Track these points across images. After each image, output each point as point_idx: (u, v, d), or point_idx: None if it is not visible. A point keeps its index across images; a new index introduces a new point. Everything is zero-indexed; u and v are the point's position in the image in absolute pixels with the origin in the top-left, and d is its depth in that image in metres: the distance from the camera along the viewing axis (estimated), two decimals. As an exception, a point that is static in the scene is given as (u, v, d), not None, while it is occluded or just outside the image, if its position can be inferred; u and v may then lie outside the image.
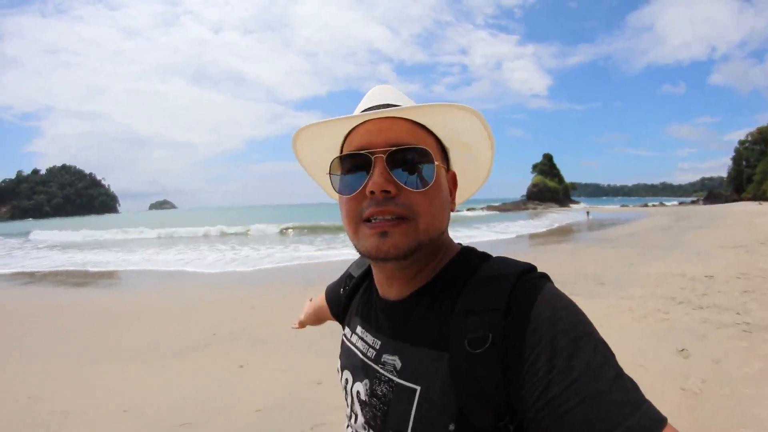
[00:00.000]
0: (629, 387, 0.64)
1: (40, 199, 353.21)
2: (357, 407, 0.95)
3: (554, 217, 58.47)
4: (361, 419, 0.93)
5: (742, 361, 5.00)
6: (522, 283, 0.77)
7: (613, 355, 0.68)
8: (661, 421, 0.61)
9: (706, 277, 9.99)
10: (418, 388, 0.80)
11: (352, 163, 0.86)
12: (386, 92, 0.96)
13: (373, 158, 0.83)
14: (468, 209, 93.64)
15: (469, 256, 0.92)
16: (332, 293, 1.30)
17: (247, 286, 12.56)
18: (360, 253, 0.89)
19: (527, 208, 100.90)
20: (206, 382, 5.25)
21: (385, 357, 0.89)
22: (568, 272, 11.72)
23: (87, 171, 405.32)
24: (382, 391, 0.87)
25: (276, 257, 19.24)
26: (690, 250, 15.36)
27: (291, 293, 10.18)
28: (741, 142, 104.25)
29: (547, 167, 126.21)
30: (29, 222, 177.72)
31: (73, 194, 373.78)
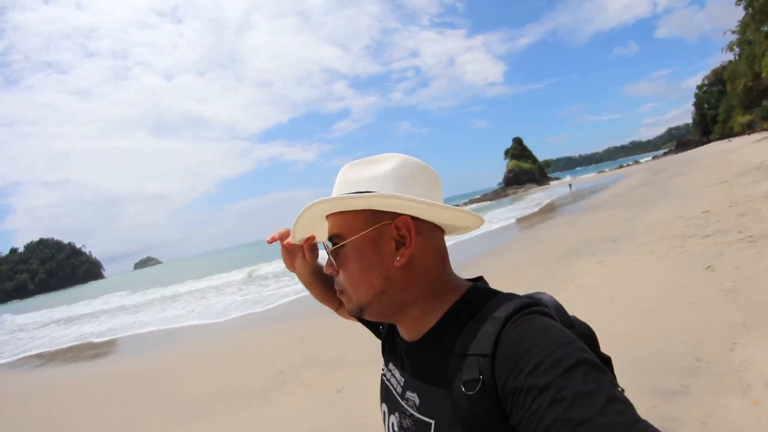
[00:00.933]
0: (621, 409, 0.64)
1: (23, 278, 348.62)
2: None
3: (538, 196, 59.54)
4: None
5: (755, 261, 6.19)
6: (510, 324, 0.80)
7: (605, 379, 0.69)
8: None
9: (702, 213, 11.14)
10: (433, 422, 0.88)
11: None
12: (340, 179, 1.01)
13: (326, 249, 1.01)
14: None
15: (473, 295, 0.95)
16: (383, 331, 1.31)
17: (277, 323, 12.33)
18: None
19: (508, 194, 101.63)
20: (320, 412, 5.20)
21: (408, 394, 0.97)
22: (578, 239, 12.79)
23: (66, 241, 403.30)
24: (407, 424, 0.95)
25: (278, 293, 18.76)
26: (678, 196, 16.57)
27: (323, 316, 9.54)
28: (699, 87, 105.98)
29: (518, 151, 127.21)
30: (16, 304, 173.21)
31: (55, 267, 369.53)
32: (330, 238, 0.97)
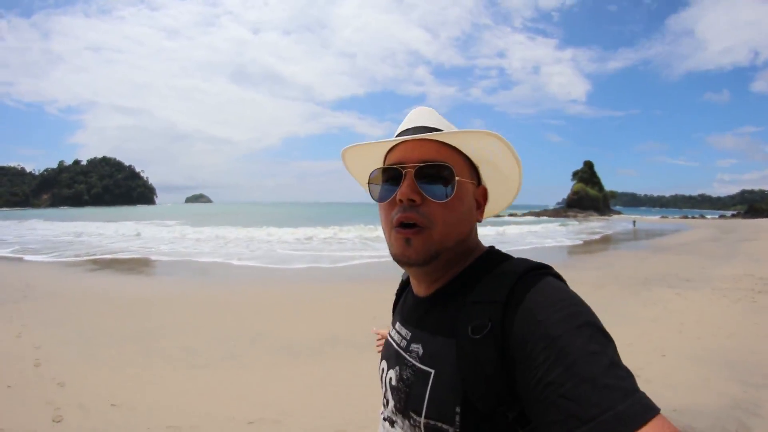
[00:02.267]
0: (624, 375, 0.66)
1: (80, 188, 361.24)
2: (389, 393, 1.05)
3: (599, 225, 60.29)
4: (391, 404, 1.03)
5: None
6: (526, 278, 0.84)
7: (610, 344, 0.72)
8: (654, 410, 0.62)
9: (760, 279, 12.66)
10: (433, 371, 0.90)
11: (388, 176, 1.01)
12: (423, 114, 1.06)
13: (404, 172, 0.96)
14: (510, 214, 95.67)
15: (491, 257, 1.01)
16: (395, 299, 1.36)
17: (358, 282, 13.25)
18: (391, 256, 1.02)
19: (567, 216, 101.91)
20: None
21: (413, 346, 1.00)
22: (652, 272, 14.39)
23: (127, 163, 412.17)
24: (407, 375, 0.97)
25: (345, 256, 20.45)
26: (749, 258, 17.97)
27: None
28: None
29: (587, 175, 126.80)
30: (73, 210, 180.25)
31: (112, 185, 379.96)
32: (441, 163, 0.96)
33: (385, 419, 1.07)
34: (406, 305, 1.16)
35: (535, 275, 0.86)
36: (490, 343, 0.79)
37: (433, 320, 0.98)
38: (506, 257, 0.99)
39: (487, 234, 35.43)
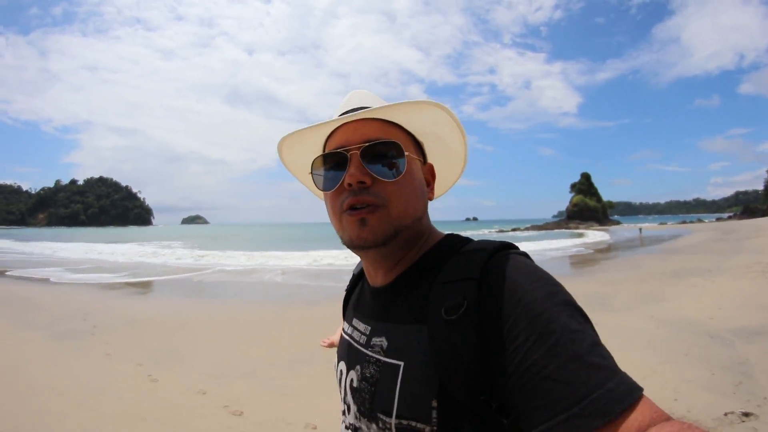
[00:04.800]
0: (606, 355, 0.65)
1: (77, 208, 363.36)
2: (350, 398, 0.96)
3: (602, 234, 62.67)
4: (353, 409, 0.94)
5: None
6: (498, 255, 0.81)
7: (589, 323, 0.71)
8: (639, 389, 0.62)
9: (776, 264, 15.80)
10: (402, 363, 0.83)
11: (332, 161, 0.94)
12: (362, 96, 1.02)
13: (348, 155, 0.90)
14: (512, 229, 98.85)
15: (452, 240, 0.97)
16: (345, 294, 1.27)
17: None
18: (344, 244, 0.96)
19: (569, 227, 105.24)
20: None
21: (374, 340, 0.92)
22: (677, 268, 17.35)
23: (123, 183, 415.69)
24: (370, 372, 0.89)
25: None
26: (754, 251, 21.05)
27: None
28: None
29: (585, 186, 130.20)
30: (71, 230, 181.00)
31: (109, 205, 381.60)
32: (381, 143, 0.91)
33: (347, 427, 0.98)
34: (361, 299, 1.10)
35: (506, 253, 0.83)
36: (466, 324, 0.74)
37: (397, 308, 0.92)
38: (468, 239, 0.95)
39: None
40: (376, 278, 1.02)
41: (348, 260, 23.96)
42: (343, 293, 1.29)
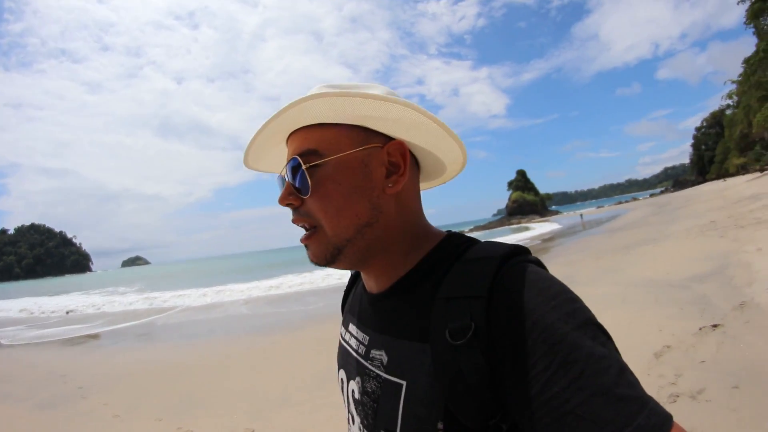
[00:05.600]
0: (633, 381, 0.59)
1: (10, 260, 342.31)
2: (353, 408, 0.92)
3: (547, 225, 64.45)
4: (357, 420, 0.90)
5: (743, 232, 12.28)
6: (508, 267, 0.71)
7: (612, 344, 0.64)
8: (669, 418, 0.57)
9: (710, 222, 17.50)
10: (404, 383, 0.76)
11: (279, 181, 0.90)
12: (320, 90, 0.83)
13: (281, 174, 0.86)
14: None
15: (454, 241, 0.86)
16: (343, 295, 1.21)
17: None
18: None
19: (512, 223, 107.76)
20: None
21: (374, 352, 0.85)
22: (626, 242, 18.82)
23: (57, 229, 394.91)
24: (371, 387, 0.83)
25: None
26: (689, 218, 22.66)
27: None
28: (698, 129, 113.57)
29: (522, 183, 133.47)
30: (6, 285, 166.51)
31: (44, 254, 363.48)
32: (301, 155, 0.81)
33: None
34: (360, 303, 0.99)
35: (516, 263, 0.72)
36: (474, 349, 0.66)
37: (395, 320, 0.83)
38: (472, 241, 0.84)
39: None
40: (371, 284, 0.92)
41: (303, 285, 23.95)
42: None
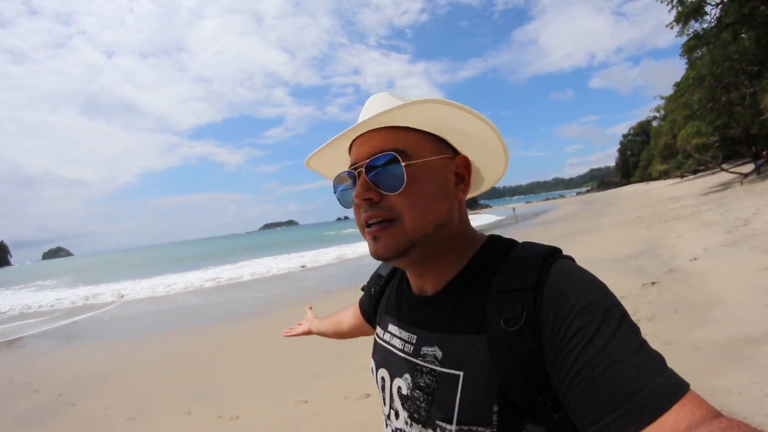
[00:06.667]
0: (654, 354, 0.67)
1: None
2: (397, 404, 0.97)
3: (484, 217, 65.24)
4: (403, 415, 0.95)
5: (666, 223, 14.03)
6: (550, 263, 0.82)
7: (637, 328, 0.72)
8: (686, 385, 0.63)
9: (637, 217, 19.65)
10: (461, 373, 0.83)
11: (347, 179, 0.96)
12: (374, 104, 0.96)
13: (356, 172, 0.91)
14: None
15: (497, 243, 0.94)
16: (364, 298, 1.34)
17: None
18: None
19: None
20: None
21: (425, 349, 0.92)
22: (561, 233, 20.72)
23: None
24: (425, 382, 0.89)
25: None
26: (617, 213, 25.17)
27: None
28: (625, 135, 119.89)
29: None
30: None
31: None
32: (387, 152, 0.87)
33: (393, 431, 0.99)
34: (402, 305, 1.06)
35: (556, 259, 0.83)
36: (527, 334, 0.76)
37: (450, 318, 0.89)
38: (512, 242, 0.94)
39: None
40: (423, 286, 0.98)
41: (245, 274, 23.31)
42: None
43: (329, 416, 4.61)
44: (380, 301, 1.19)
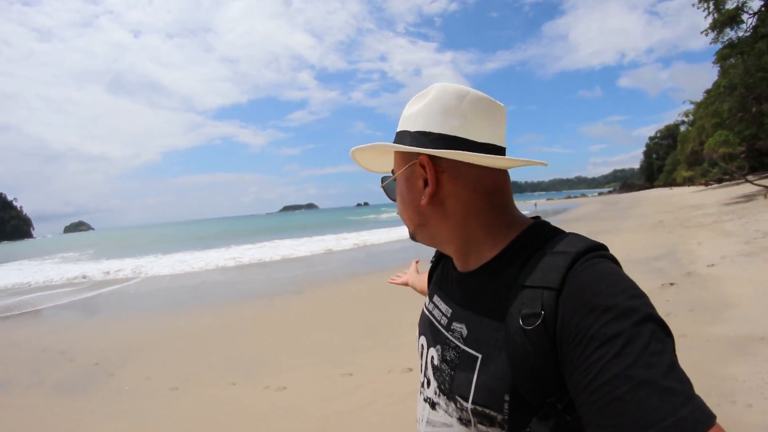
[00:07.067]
0: (683, 378, 0.61)
1: None
2: (430, 372, 1.00)
3: None
4: (434, 384, 0.97)
5: (687, 230, 14.46)
6: (581, 262, 0.76)
7: (669, 340, 0.66)
8: (712, 417, 0.58)
9: (659, 221, 19.94)
10: (480, 356, 0.83)
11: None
12: (406, 115, 0.99)
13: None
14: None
15: (538, 230, 0.90)
16: (430, 266, 1.35)
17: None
18: None
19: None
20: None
21: (455, 325, 0.93)
22: (586, 231, 20.71)
23: None
24: (450, 356, 0.91)
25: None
26: (639, 217, 25.42)
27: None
28: (651, 138, 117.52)
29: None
30: None
31: None
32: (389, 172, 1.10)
33: (425, 400, 1.01)
34: (446, 278, 1.07)
35: (590, 258, 0.77)
36: (542, 335, 0.72)
37: (478, 298, 0.90)
38: (557, 231, 0.90)
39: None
40: (461, 264, 0.99)
41: (267, 255, 23.47)
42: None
43: (376, 387, 4.96)
44: (435, 271, 1.22)
